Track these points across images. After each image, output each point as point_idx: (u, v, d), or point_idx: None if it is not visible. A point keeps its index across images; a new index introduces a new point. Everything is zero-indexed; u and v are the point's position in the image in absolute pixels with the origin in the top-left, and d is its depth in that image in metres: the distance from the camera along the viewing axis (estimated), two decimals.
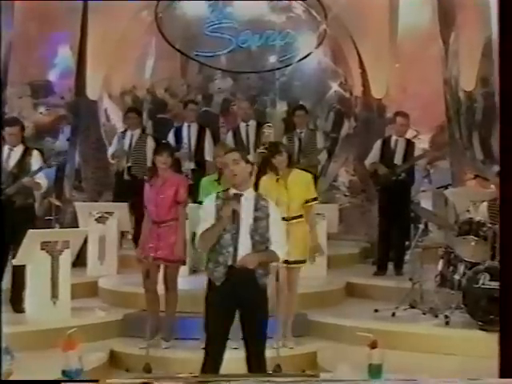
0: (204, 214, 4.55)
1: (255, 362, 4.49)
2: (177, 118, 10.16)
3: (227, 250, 4.43)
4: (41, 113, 9.67)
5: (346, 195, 10.41)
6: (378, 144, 7.91)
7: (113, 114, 10.19)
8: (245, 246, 4.43)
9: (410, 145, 7.82)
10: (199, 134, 8.59)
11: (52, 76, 9.81)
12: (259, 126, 8.55)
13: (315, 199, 6.03)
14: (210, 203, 4.54)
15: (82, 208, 8.11)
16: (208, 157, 8.49)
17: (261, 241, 4.45)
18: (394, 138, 7.81)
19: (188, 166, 8.42)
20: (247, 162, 4.57)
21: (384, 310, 6.53)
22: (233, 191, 4.49)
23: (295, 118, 8.53)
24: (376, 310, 6.59)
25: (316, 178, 7.98)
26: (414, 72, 9.59)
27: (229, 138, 8.65)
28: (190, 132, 8.59)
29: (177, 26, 10.15)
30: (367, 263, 8.50)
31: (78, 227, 7.81)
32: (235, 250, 4.41)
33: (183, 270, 6.40)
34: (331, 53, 10.41)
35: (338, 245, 8.66)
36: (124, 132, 8.67)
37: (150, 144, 8.36)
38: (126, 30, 9.87)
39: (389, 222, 7.77)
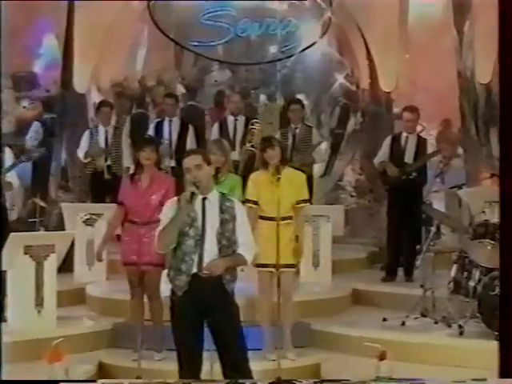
0: (164, 214, 4.56)
1: (232, 374, 4.48)
2: (163, 113, 10.18)
3: (190, 258, 4.44)
4: (24, 107, 9.67)
5: (352, 195, 10.41)
6: (387, 141, 7.90)
7: None
8: (211, 252, 4.45)
9: (421, 142, 7.81)
10: (181, 130, 8.56)
11: (36, 67, 9.82)
12: (248, 121, 8.55)
13: (307, 201, 6.04)
14: (171, 205, 4.55)
15: (69, 209, 8.09)
16: None
17: (227, 244, 4.48)
18: (404, 134, 7.80)
19: (169, 163, 8.40)
20: (209, 163, 4.58)
21: (393, 319, 6.52)
22: (196, 195, 4.47)
23: (290, 113, 8.47)
24: (384, 319, 6.59)
25: (310, 178, 8.00)
26: (426, 63, 9.59)
27: (214, 131, 8.62)
28: (171, 127, 8.57)
29: (170, 13, 10.15)
30: (375, 268, 8.49)
31: (64, 230, 7.80)
32: (200, 256, 4.43)
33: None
34: (336, 43, 10.42)
35: (343, 249, 8.64)
36: (95, 128, 8.69)
37: (126, 140, 8.44)
38: (116, 18, 9.87)
39: (398, 225, 7.76)
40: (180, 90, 10.62)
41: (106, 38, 9.78)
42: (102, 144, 8.51)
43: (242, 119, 8.57)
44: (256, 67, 10.50)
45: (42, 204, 8.84)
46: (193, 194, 4.41)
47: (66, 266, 7.57)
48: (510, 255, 3.82)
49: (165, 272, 5.98)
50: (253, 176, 6.02)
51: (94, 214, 7.86)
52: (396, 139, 7.86)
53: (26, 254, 6.22)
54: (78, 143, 9.67)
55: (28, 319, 6.23)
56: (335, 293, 7.37)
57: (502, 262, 3.93)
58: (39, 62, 9.80)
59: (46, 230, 8.39)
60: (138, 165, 6.01)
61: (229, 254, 4.46)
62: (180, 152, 8.46)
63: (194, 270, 4.43)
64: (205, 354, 4.58)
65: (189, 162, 4.52)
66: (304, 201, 5.99)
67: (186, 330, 4.47)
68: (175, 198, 4.56)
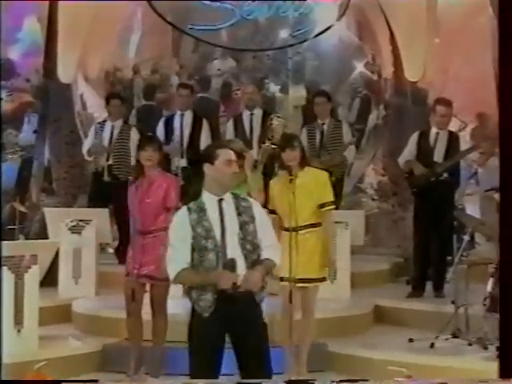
0: (174, 237, 4.47)
1: None
2: (167, 106, 10.19)
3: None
4: (1, 99, 9.71)
5: (373, 199, 10.42)
6: (414, 138, 7.88)
7: (90, 101, 10.24)
8: (237, 260, 4.40)
9: (453, 138, 7.77)
10: (194, 125, 8.59)
11: (15, 54, 9.85)
12: (266, 115, 8.55)
13: (333, 203, 6.02)
14: (181, 220, 4.47)
15: (53, 215, 8.10)
16: None
17: (251, 249, 4.45)
18: (433, 130, 7.77)
19: (178, 163, 8.42)
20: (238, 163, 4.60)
21: (421, 340, 6.50)
22: (212, 197, 4.46)
23: (315, 107, 8.51)
24: (411, 340, 6.57)
25: (341, 181, 7.98)
26: (458, 48, 9.57)
27: (229, 129, 8.64)
28: (182, 122, 8.59)
29: None
30: (400, 282, 8.48)
31: (47, 238, 7.81)
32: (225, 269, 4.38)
33: (175, 290, 6.40)
34: (356, 26, 10.44)
35: (364, 260, 8.63)
36: (102, 123, 8.68)
37: (135, 137, 8.34)
38: None
39: (426, 233, 7.74)
40: (175, 80, 10.65)
41: (95, 21, 9.80)
42: (106, 141, 8.51)
43: (258, 113, 8.57)
44: (264, 54, 10.52)
45: (23, 209, 8.86)
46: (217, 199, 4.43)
47: (49, 280, 7.59)
48: (510, 255, 3.74)
49: (175, 287, 6.10)
50: (271, 181, 6.04)
51: (81, 221, 7.85)
52: (424, 135, 7.83)
53: (4, 265, 6.21)
54: (62, 140, 9.70)
55: (6, 340, 6.20)
56: (355, 310, 7.37)
57: (502, 262, 3.98)
58: (18, 48, 9.84)
59: (27, 239, 8.41)
60: (139, 166, 6.04)
61: (255, 259, 4.44)
62: (192, 150, 8.50)
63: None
64: (224, 380, 4.59)
65: (227, 154, 4.50)
66: (328, 203, 5.96)
67: (210, 355, 4.43)
68: (184, 209, 4.49)
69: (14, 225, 8.63)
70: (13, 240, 7.92)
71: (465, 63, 9.52)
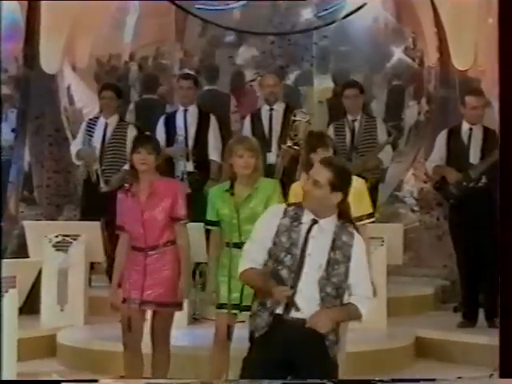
0: (257, 234, 4.57)
1: None
2: (171, 100, 10.18)
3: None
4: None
5: (414, 210, 10.39)
6: (442, 137, 7.82)
7: (78, 94, 10.26)
8: (307, 296, 4.43)
9: (489, 135, 7.69)
10: (200, 123, 8.60)
11: None
12: (288, 110, 8.52)
13: (371, 215, 5.99)
14: (271, 218, 4.55)
15: (34, 229, 8.09)
16: (213, 155, 8.49)
17: (334, 294, 4.47)
18: (465, 126, 7.74)
19: (183, 167, 8.41)
20: (337, 189, 4.52)
21: (472, 379, 6.49)
22: (309, 215, 4.50)
23: (345, 100, 8.48)
24: (459, 378, 6.53)
25: (375, 188, 7.95)
26: None
27: (246, 128, 8.60)
28: (186, 119, 8.59)
29: None
30: (447, 310, 8.46)
31: (27, 257, 7.78)
32: (292, 296, 4.40)
33: (180, 319, 6.38)
34: (393, 4, 10.41)
35: (403, 282, 8.65)
36: (94, 120, 8.69)
37: (133, 137, 8.39)
38: None
39: (469, 250, 7.68)
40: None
41: (84, 1, 9.79)
42: (98, 142, 8.51)
43: (280, 108, 8.53)
44: (284, 39, 10.50)
45: None
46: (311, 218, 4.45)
47: (30, 306, 7.57)
48: (510, 255, 3.64)
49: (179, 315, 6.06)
50: (294, 186, 5.99)
51: (67, 236, 7.86)
52: (455, 133, 7.79)
53: None
54: (46, 140, 9.67)
55: None
56: (392, 342, 7.37)
57: (502, 262, 3.72)
58: None
59: (3, 258, 8.40)
60: (133, 172, 6.03)
61: (336, 304, 4.47)
62: (199, 151, 8.48)
63: (281, 311, 4.43)
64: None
65: (318, 173, 4.53)
66: (366, 216, 5.92)
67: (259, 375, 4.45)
68: (279, 210, 4.59)
69: None
70: None
71: None
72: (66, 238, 7.85)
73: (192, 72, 10.04)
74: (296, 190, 5.93)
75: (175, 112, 8.73)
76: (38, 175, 10.04)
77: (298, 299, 4.40)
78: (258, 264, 4.49)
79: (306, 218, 4.49)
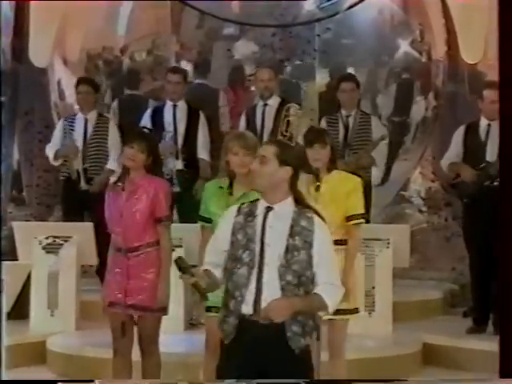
0: (214, 237, 4.58)
1: None
2: (156, 97, 10.17)
3: (241, 293, 4.39)
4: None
5: (421, 211, 10.38)
6: (459, 134, 7.83)
7: (69, 89, 10.21)
8: (272, 288, 4.38)
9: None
10: (189, 119, 8.61)
11: None
12: (282, 105, 8.50)
13: (362, 216, 5.99)
14: (226, 220, 4.55)
15: (23, 230, 8.11)
16: (202, 153, 8.52)
17: (296, 283, 4.41)
18: (484, 122, 7.74)
19: (173, 165, 8.41)
20: (285, 163, 4.50)
21: (472, 380, 6.46)
22: (263, 203, 4.49)
23: (341, 94, 8.46)
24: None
25: (368, 187, 7.93)
26: None
27: (241, 124, 8.61)
28: (175, 115, 8.61)
29: None
30: (456, 315, 8.45)
31: (16, 259, 7.83)
32: (257, 292, 4.37)
33: (176, 324, 6.37)
34: None
35: (409, 286, 8.63)
36: (72, 116, 8.73)
37: (113, 133, 8.45)
38: None
39: (481, 252, 7.67)
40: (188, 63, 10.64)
41: None
42: (79, 139, 8.51)
43: (274, 102, 8.53)
44: (286, 31, 10.49)
45: None
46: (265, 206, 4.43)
47: (18, 311, 7.60)
48: (509, 255, 3.63)
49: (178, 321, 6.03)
50: None
51: (58, 237, 7.87)
52: (472, 130, 7.79)
53: None
54: (36, 138, 9.65)
55: None
56: (398, 349, 7.35)
57: (501, 262, 3.73)
58: None
59: None
60: (124, 168, 6.02)
61: (297, 295, 4.42)
62: (189, 149, 8.47)
63: (246, 311, 4.39)
64: None
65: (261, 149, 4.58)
66: (358, 216, 5.93)
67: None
68: (232, 212, 4.56)
69: None
70: None
71: None
72: (57, 240, 7.86)
73: (184, 66, 10.04)
74: None
75: (163, 106, 8.74)
76: (28, 174, 10.03)
77: (264, 292, 4.35)
78: (216, 266, 4.46)
79: (261, 208, 4.46)
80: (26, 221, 9.09)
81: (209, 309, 5.64)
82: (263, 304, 4.33)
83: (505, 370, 3.65)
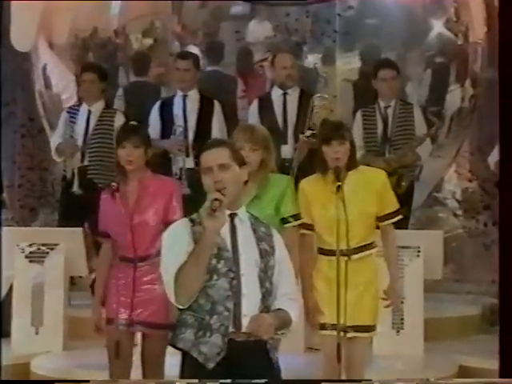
0: (168, 245, 4.52)
1: None
2: (165, 83, 10.18)
3: (225, 308, 4.42)
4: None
5: (456, 215, 10.41)
6: None
7: (56, 76, 10.28)
8: (253, 298, 4.46)
9: None
10: (202, 110, 8.63)
11: None
12: (304, 95, 8.51)
13: (397, 213, 5.97)
14: (179, 233, 4.52)
15: (4, 236, 8.04)
16: None
17: (270, 290, 4.52)
18: None
19: (182, 163, 8.43)
20: (241, 163, 4.57)
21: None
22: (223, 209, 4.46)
23: (379, 83, 8.51)
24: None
25: (411, 187, 8.00)
26: None
27: (252, 115, 8.62)
28: (185, 107, 8.63)
29: None
30: (496, 333, 8.40)
31: None
32: (237, 306, 4.42)
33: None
34: None
35: (443, 300, 8.68)
36: (76, 107, 8.74)
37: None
38: None
39: None
40: (177, 47, 10.65)
41: None
42: (80, 133, 8.55)
43: (295, 92, 8.58)
44: (302, 10, 10.50)
45: None
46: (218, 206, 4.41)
47: None
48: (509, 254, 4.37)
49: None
50: (304, 184, 6.00)
51: (44, 245, 7.90)
52: None
53: None
54: (18, 132, 9.67)
55: None
56: (430, 372, 7.30)
57: (502, 262, 4.61)
58: None
59: None
60: (120, 169, 6.05)
61: (269, 305, 4.50)
62: (201, 145, 8.45)
63: (232, 328, 4.43)
64: None
65: (209, 158, 4.54)
66: (391, 214, 5.92)
67: None
68: (184, 219, 4.61)
69: None
70: None
71: None
72: (42, 248, 7.90)
73: (192, 50, 10.04)
74: (305, 188, 5.95)
75: (173, 97, 8.77)
76: (9, 173, 10.06)
77: (243, 303, 4.42)
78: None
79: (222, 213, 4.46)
80: (7, 226, 9.08)
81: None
82: (244, 318, 4.41)
83: (505, 370, 3.57)
